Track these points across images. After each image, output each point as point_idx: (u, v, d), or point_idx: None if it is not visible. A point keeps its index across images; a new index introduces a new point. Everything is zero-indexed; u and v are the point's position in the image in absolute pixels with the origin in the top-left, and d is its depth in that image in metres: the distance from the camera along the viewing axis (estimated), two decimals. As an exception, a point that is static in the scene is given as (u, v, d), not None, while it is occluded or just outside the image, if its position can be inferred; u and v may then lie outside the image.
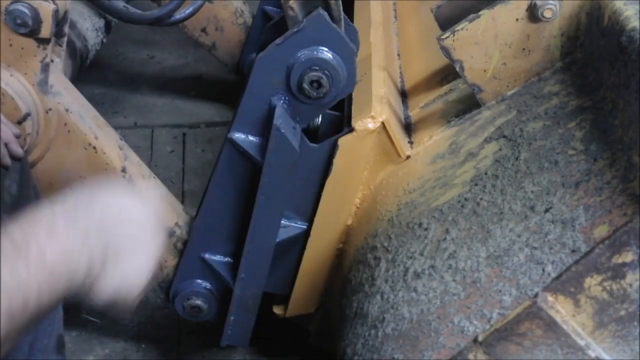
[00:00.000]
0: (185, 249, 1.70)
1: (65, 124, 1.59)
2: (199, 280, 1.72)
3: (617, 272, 1.05)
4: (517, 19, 1.46)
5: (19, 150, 1.45)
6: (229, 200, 1.61)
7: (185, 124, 2.83)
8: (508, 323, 1.08)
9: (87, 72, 2.47)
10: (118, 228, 0.86)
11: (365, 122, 1.52)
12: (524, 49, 1.49)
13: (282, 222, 1.60)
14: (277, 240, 1.61)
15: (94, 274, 0.83)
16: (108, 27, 2.46)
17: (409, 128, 1.69)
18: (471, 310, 1.13)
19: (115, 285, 0.86)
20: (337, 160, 1.55)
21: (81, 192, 0.89)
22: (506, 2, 1.46)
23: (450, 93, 1.72)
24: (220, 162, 1.57)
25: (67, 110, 1.59)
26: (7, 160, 1.42)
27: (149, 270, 0.89)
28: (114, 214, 0.87)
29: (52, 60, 1.56)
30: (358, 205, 1.62)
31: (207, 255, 1.69)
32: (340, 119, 1.65)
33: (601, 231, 1.07)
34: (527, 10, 1.45)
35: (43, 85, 1.55)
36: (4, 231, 0.77)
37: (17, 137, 1.48)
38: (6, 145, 1.42)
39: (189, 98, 2.97)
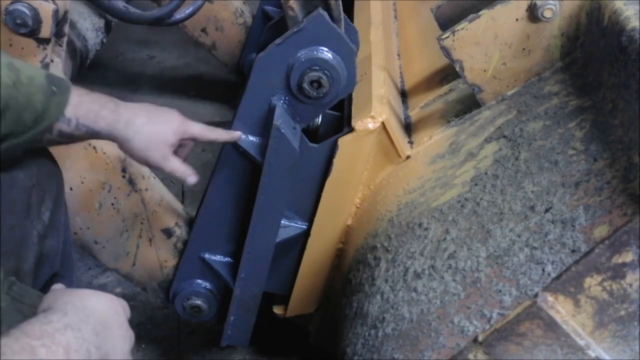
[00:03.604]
0: (185, 249, 1.70)
1: (65, 124, 1.59)
2: (199, 280, 1.72)
3: (617, 272, 1.05)
4: (517, 19, 1.46)
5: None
6: (229, 200, 1.61)
7: (185, 124, 2.83)
8: (508, 323, 1.08)
9: (87, 72, 2.46)
10: (106, 336, 0.98)
11: (365, 122, 1.52)
12: (524, 49, 1.49)
13: (282, 222, 1.60)
14: (277, 240, 1.61)
15: None
16: (108, 27, 2.46)
17: (409, 128, 1.69)
18: (471, 310, 1.13)
19: None
20: (337, 160, 1.55)
21: (69, 294, 1.00)
22: (506, 2, 1.46)
23: (450, 93, 1.72)
24: (220, 162, 1.58)
25: (67, 110, 1.59)
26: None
27: None
28: (101, 320, 0.98)
29: (52, 60, 1.56)
30: (358, 205, 1.62)
31: (207, 255, 1.69)
32: (340, 119, 1.65)
33: (601, 231, 1.07)
34: (527, 10, 1.45)
35: (43, 85, 1.55)
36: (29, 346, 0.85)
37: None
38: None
39: (189, 98, 2.97)
